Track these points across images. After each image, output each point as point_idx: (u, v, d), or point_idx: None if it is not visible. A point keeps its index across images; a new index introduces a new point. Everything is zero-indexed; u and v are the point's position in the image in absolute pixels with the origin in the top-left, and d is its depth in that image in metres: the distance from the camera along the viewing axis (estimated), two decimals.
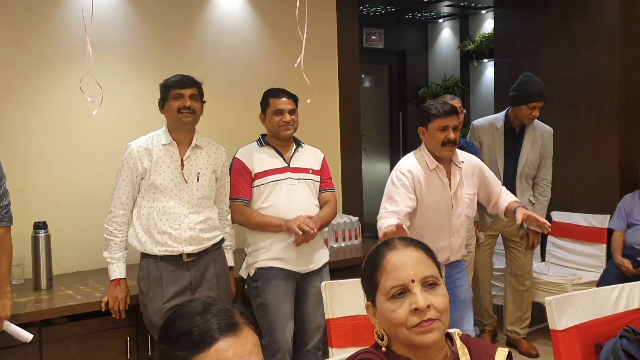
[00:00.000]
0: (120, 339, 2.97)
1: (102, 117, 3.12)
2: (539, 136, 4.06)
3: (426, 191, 2.94)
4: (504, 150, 4.08)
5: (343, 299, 2.37)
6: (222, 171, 3.04)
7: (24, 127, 3.32)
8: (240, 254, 3.38)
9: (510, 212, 3.06)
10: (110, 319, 2.93)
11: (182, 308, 1.19)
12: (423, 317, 1.34)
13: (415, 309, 1.34)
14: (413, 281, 1.36)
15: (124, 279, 2.89)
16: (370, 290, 1.43)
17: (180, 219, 2.87)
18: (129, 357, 2.98)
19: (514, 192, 3.79)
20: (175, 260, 2.87)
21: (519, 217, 2.90)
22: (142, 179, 2.87)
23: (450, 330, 1.46)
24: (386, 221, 2.76)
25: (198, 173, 2.94)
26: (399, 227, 2.59)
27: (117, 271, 2.87)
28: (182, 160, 2.91)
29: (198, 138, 2.97)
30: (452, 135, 2.91)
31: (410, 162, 2.99)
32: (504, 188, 3.21)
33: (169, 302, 2.85)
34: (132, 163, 2.86)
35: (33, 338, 2.66)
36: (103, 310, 2.88)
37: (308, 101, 3.22)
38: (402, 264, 1.38)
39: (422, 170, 2.95)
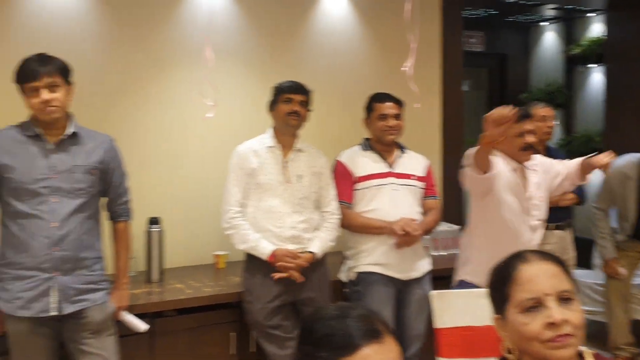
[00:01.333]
0: (225, 334, 3.06)
1: (214, 119, 3.23)
2: None
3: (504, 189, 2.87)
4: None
5: (453, 308, 2.33)
6: (321, 173, 3.08)
7: (141, 127, 3.49)
8: (339, 257, 3.41)
9: (585, 167, 2.98)
10: (217, 314, 3.04)
11: (319, 311, 1.21)
12: (558, 332, 1.31)
13: (550, 324, 1.31)
14: (548, 295, 1.33)
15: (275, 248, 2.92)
16: (500, 302, 1.41)
17: (283, 217, 2.95)
18: (232, 352, 3.07)
19: None
20: None
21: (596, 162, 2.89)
22: (249, 178, 2.96)
23: (582, 348, 1.41)
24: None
25: (300, 175, 3.00)
26: None
27: (267, 247, 2.90)
28: (285, 162, 2.99)
29: (301, 142, 3.08)
30: (529, 140, 2.88)
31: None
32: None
33: (273, 301, 2.91)
34: (241, 164, 2.97)
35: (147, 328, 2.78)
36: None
37: (416, 106, 3.20)
38: (537, 276, 1.36)
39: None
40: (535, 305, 1.34)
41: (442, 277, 3.48)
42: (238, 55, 3.71)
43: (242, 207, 2.98)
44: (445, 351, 2.28)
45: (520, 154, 2.89)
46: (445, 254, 3.97)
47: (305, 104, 3.03)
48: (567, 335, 1.32)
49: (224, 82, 3.51)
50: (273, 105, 3.04)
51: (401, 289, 3.15)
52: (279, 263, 2.89)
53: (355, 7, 4.05)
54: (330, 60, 3.99)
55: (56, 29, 3.25)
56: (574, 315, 1.33)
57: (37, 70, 2.46)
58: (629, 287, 4.02)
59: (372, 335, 1.14)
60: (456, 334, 2.29)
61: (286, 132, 3.02)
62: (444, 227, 4.00)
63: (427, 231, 3.21)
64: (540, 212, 2.96)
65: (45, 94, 2.46)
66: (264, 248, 2.90)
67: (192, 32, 3.54)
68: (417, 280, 3.17)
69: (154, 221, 3.29)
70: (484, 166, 2.66)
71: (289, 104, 2.98)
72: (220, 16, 3.61)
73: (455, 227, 4.06)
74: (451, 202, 4.32)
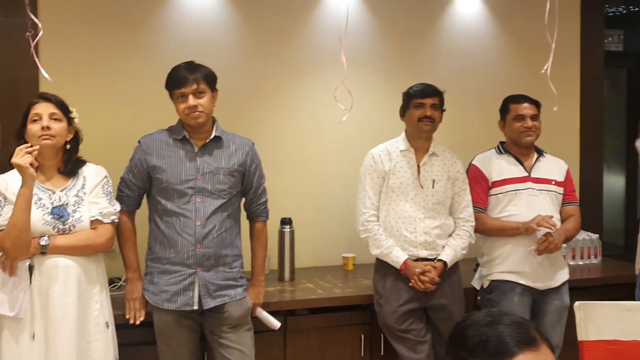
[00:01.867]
0: (356, 336, 3.09)
1: (345, 122, 3.27)
2: None
3: None
4: None
5: (598, 321, 2.20)
6: (456, 178, 3.02)
7: (275, 131, 3.61)
8: (472, 263, 3.34)
9: None
10: (348, 315, 3.07)
11: (470, 317, 1.19)
12: None
13: None
14: None
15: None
16: None
17: (416, 222, 2.92)
18: (362, 354, 3.08)
19: None
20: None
21: None
22: (383, 181, 2.96)
23: None
24: None
25: (434, 180, 2.96)
26: None
27: (400, 255, 2.88)
28: (418, 166, 2.96)
29: (435, 146, 3.01)
30: None
31: None
32: None
33: (404, 305, 2.90)
34: (375, 166, 2.97)
35: (280, 326, 2.87)
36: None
37: (555, 109, 3.07)
38: None
39: None
40: None
41: (580, 288, 3.32)
42: (370, 59, 3.74)
43: (377, 210, 2.98)
44: None
45: None
46: (582, 263, 3.78)
47: (438, 106, 2.96)
48: None
49: (357, 87, 3.54)
50: (404, 111, 3.00)
51: (537, 298, 3.03)
52: (411, 282, 2.87)
53: (489, 7, 3.96)
54: (463, 61, 3.92)
55: (201, 39, 3.44)
56: None
57: (185, 77, 2.61)
58: None
59: (528, 342, 1.12)
60: (601, 347, 2.16)
61: (420, 137, 2.99)
62: (583, 235, 3.81)
63: (568, 239, 3.07)
64: None
65: (192, 100, 2.60)
66: (397, 257, 2.88)
67: (325, 38, 3.61)
68: (554, 290, 3.04)
69: (286, 221, 3.38)
70: None
71: (421, 108, 2.93)
72: (353, 21, 3.65)
73: (594, 235, 3.85)
74: (590, 209, 4.10)
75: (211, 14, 3.47)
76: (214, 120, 2.74)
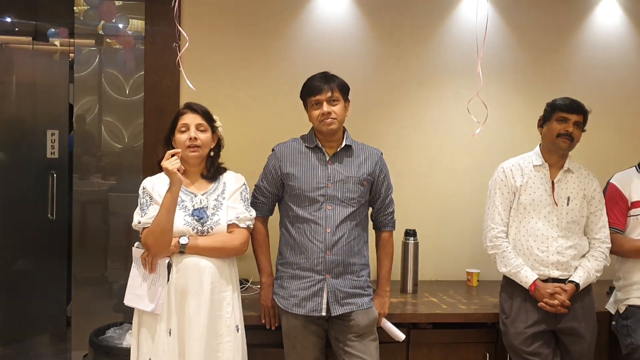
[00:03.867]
0: (480, 354, 3.02)
1: (482, 136, 3.21)
2: None
3: None
4: None
5: None
6: (593, 197, 2.88)
7: (399, 142, 3.61)
8: (606, 286, 3.17)
9: None
10: (472, 332, 3.01)
11: None
12: None
13: None
14: None
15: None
16: None
17: (548, 241, 2.81)
18: None
19: None
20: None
21: None
22: (514, 197, 2.87)
23: None
24: None
25: (568, 197, 2.84)
26: None
27: (529, 275, 2.79)
28: (552, 182, 2.85)
29: (570, 162, 2.89)
30: None
31: None
32: None
33: (531, 327, 2.80)
34: (506, 181, 2.89)
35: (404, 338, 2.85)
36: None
37: None
38: None
39: None
40: None
41: None
42: (504, 71, 3.66)
43: (507, 226, 2.90)
44: None
45: None
46: None
47: (581, 124, 2.84)
48: None
49: (491, 99, 3.47)
50: (544, 122, 2.90)
51: None
52: (540, 303, 2.77)
53: (632, 18, 3.76)
54: (601, 75, 3.75)
55: (333, 50, 3.51)
56: None
57: (321, 85, 2.68)
58: None
59: None
60: None
61: (555, 152, 2.88)
62: None
63: None
64: None
65: (326, 107, 2.66)
66: (526, 277, 2.78)
67: (457, 50, 3.58)
68: None
69: (410, 233, 3.37)
70: None
71: (563, 123, 2.82)
72: (488, 32, 3.58)
73: None
74: None
75: (343, 25, 3.53)
76: (344, 130, 2.78)
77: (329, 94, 2.67)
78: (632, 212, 2.94)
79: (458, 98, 3.47)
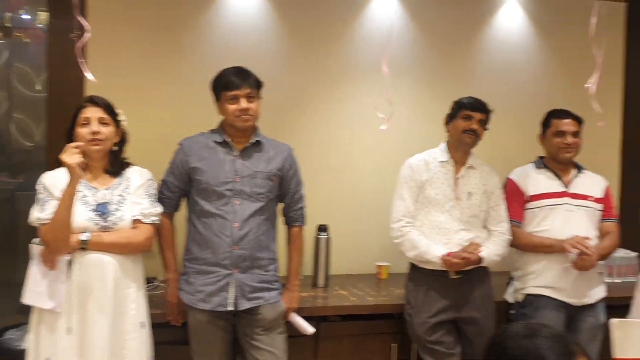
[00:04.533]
0: (387, 344, 3.09)
1: (385, 132, 3.28)
2: None
3: None
4: None
5: (635, 339, 2.18)
6: (493, 192, 3.01)
7: (314, 138, 3.64)
8: (505, 277, 3.31)
9: None
10: (380, 324, 3.08)
11: (509, 329, 1.20)
12: None
13: None
14: None
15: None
16: None
17: (450, 234, 2.91)
18: None
19: None
20: (443, 276, 2.90)
21: None
22: (419, 191, 2.96)
23: None
24: None
25: (470, 192, 2.95)
26: None
27: (439, 250, 2.85)
28: (456, 178, 2.96)
29: (474, 159, 3.01)
30: None
31: None
32: None
33: (434, 317, 2.90)
34: (412, 175, 2.98)
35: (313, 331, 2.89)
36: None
37: (599, 124, 3.04)
38: None
39: None
40: None
41: (617, 306, 3.26)
42: (412, 69, 3.75)
43: (413, 218, 2.98)
44: None
45: None
46: (619, 281, 3.71)
47: (484, 122, 2.97)
48: None
49: (397, 96, 3.56)
50: (450, 120, 3.01)
51: (572, 315, 2.99)
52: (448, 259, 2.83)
53: (533, 20, 3.94)
54: (505, 74, 3.91)
55: (244, 46, 3.49)
56: None
57: (239, 80, 2.67)
58: None
59: (567, 356, 1.11)
60: None
61: (460, 149, 2.99)
62: (621, 253, 3.74)
63: (604, 256, 3.04)
64: None
65: (244, 103, 2.66)
66: (436, 252, 2.86)
67: (368, 48, 3.64)
68: (589, 307, 3.00)
69: (322, 228, 3.42)
70: None
71: (468, 121, 2.93)
72: (396, 31, 3.67)
73: (633, 254, 3.78)
74: (629, 227, 4.02)
75: (254, 21, 3.53)
76: (255, 126, 2.79)
77: (247, 90, 2.67)
78: (529, 205, 3.09)
79: (369, 95, 3.54)
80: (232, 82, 2.67)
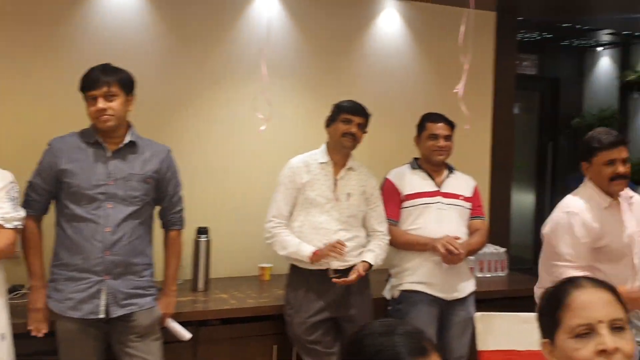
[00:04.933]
0: (267, 346, 3.09)
1: (266, 133, 3.28)
2: None
3: (600, 232, 2.67)
4: None
5: (498, 331, 2.31)
6: (372, 194, 3.09)
7: (194, 139, 3.58)
8: (383, 274, 3.40)
9: None
10: (260, 326, 3.08)
11: (365, 328, 1.22)
12: None
13: (602, 351, 1.30)
14: (601, 322, 1.32)
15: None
16: (550, 327, 1.40)
17: (329, 234, 2.96)
18: None
19: None
20: (322, 275, 2.94)
21: None
22: (299, 192, 2.99)
23: None
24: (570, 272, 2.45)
25: (348, 193, 3.01)
26: None
27: (309, 248, 2.90)
28: (335, 179, 3.01)
29: (352, 161, 3.08)
30: (621, 169, 2.66)
31: (577, 203, 2.72)
32: None
33: (313, 316, 2.93)
34: (292, 177, 3.00)
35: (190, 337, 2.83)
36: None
37: (467, 127, 3.19)
38: (591, 303, 1.35)
39: (593, 209, 2.69)
40: (587, 332, 1.33)
41: (487, 300, 3.45)
42: (292, 71, 3.78)
43: (289, 220, 3.01)
44: None
45: (610, 184, 2.67)
46: (489, 275, 3.93)
47: (363, 126, 3.03)
48: None
49: (278, 97, 3.57)
50: (330, 122, 3.05)
51: (444, 309, 3.13)
52: (324, 252, 2.88)
53: (410, 27, 4.08)
54: (384, 78, 4.03)
55: (121, 42, 3.38)
56: (626, 344, 1.32)
57: (97, 79, 2.56)
58: None
59: (419, 352, 1.15)
60: (499, 357, 2.26)
61: (340, 152, 3.04)
62: (490, 249, 3.96)
63: (472, 252, 3.19)
64: None
65: (101, 103, 2.55)
66: (305, 250, 2.90)
67: (249, 49, 3.63)
68: (460, 301, 3.15)
69: (202, 231, 3.36)
70: None
71: (347, 124, 2.98)
72: (277, 33, 3.68)
73: (502, 249, 4.01)
74: (498, 224, 4.27)
75: (132, 17, 3.43)
76: (129, 125, 2.69)
77: (105, 89, 2.55)
78: (405, 204, 3.19)
79: (250, 96, 3.51)
80: (90, 81, 2.57)
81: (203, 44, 3.59)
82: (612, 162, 2.67)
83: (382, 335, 1.18)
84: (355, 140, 3.00)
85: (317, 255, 2.89)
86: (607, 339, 1.31)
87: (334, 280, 2.90)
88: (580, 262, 2.58)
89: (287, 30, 3.75)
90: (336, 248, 2.89)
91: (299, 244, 2.92)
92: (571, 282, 1.41)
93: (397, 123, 3.94)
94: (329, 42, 3.88)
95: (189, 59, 3.56)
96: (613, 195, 2.73)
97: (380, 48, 4.01)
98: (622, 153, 2.69)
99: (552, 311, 1.40)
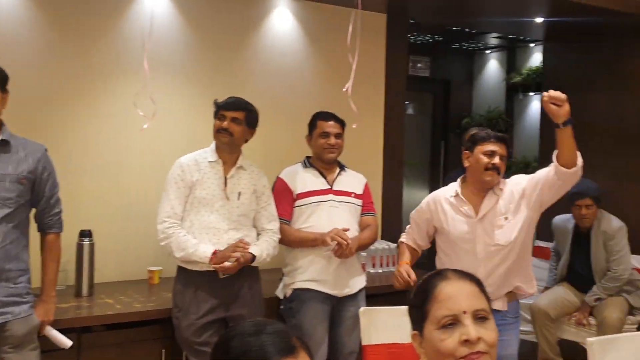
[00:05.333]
0: (156, 351, 3.01)
1: (153, 131, 3.19)
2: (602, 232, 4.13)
3: (445, 219, 2.87)
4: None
5: (381, 326, 2.35)
6: (263, 193, 3.07)
7: (76, 137, 3.43)
8: (276, 274, 3.40)
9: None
10: (148, 330, 2.98)
11: (235, 328, 1.21)
12: (472, 349, 1.34)
13: (466, 340, 1.34)
14: (465, 312, 1.37)
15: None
16: (419, 319, 1.43)
17: (219, 233, 2.92)
18: None
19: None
20: (211, 276, 2.89)
21: None
22: (189, 191, 2.92)
23: None
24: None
25: (239, 192, 2.98)
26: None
27: (208, 249, 2.83)
28: (225, 178, 2.97)
29: (243, 160, 3.04)
30: (497, 161, 2.80)
31: (436, 192, 3.00)
32: None
33: (203, 317, 2.87)
34: (183, 175, 2.93)
35: (72, 344, 2.70)
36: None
37: (354, 126, 3.24)
38: (455, 295, 1.39)
39: (444, 197, 2.90)
40: (452, 323, 1.37)
41: (378, 295, 3.52)
42: (181, 66, 3.70)
43: (180, 219, 2.93)
44: None
45: (484, 173, 2.78)
46: (381, 271, 4.01)
47: (241, 121, 2.97)
48: (480, 353, 1.34)
49: (164, 94, 3.48)
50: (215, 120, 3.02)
51: (335, 305, 3.16)
52: (217, 264, 2.82)
53: (303, 26, 4.10)
54: (276, 77, 4.02)
55: None
56: (488, 333, 1.36)
57: None
58: (556, 309, 4.19)
59: (287, 350, 1.15)
60: (383, 351, 2.30)
61: (222, 149, 2.99)
62: (382, 244, 4.05)
63: (363, 246, 3.24)
64: (505, 235, 2.79)
65: None
66: (204, 252, 2.84)
67: (133, 42, 3.51)
68: (351, 297, 3.19)
69: (85, 234, 3.21)
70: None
71: (221, 120, 2.94)
72: (163, 28, 3.59)
73: (393, 245, 4.10)
74: (390, 220, 4.38)
75: (8, 11, 3.23)
76: (1, 124, 2.53)
77: None
78: (297, 202, 3.20)
79: (133, 92, 3.39)
80: None
81: (84, 38, 3.43)
82: (492, 154, 2.80)
83: (250, 335, 1.17)
84: (231, 136, 2.94)
85: (218, 257, 2.83)
86: (471, 329, 1.35)
87: (213, 266, 2.83)
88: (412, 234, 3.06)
89: (174, 24, 3.66)
90: (239, 248, 2.85)
91: (197, 244, 2.85)
92: (439, 274, 1.45)
93: (292, 121, 3.94)
94: (220, 37, 3.82)
95: (70, 53, 3.39)
96: (484, 185, 2.84)
97: (273, 46, 4.00)
98: (502, 149, 2.83)
99: (420, 303, 1.43)
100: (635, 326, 4.03)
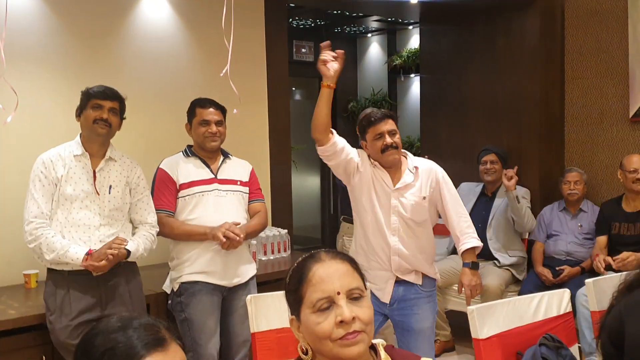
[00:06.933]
0: (36, 358, 2.82)
1: (17, 126, 2.97)
2: None
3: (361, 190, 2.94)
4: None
5: (269, 312, 2.32)
6: (137, 184, 2.95)
7: None
8: (163, 269, 3.29)
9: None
10: (25, 337, 2.79)
11: (100, 325, 1.14)
12: (348, 330, 1.33)
13: (341, 322, 1.33)
14: (339, 293, 1.36)
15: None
16: (295, 303, 1.41)
17: (90, 230, 2.77)
18: None
19: None
20: (84, 275, 2.75)
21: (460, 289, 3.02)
22: (55, 188, 2.75)
23: (374, 341, 1.46)
24: None
25: (110, 185, 2.85)
26: None
27: (80, 250, 2.68)
28: (94, 172, 2.83)
29: (112, 151, 2.90)
30: (388, 140, 2.88)
31: None
32: (466, 226, 2.97)
33: (76, 318, 2.72)
34: (47, 171, 2.75)
35: None
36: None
37: (235, 111, 3.18)
38: (328, 276, 1.37)
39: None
40: (328, 305, 1.36)
41: (271, 282, 3.50)
42: (45, 57, 3.47)
43: (48, 219, 2.76)
44: (261, 356, 2.26)
45: (383, 156, 2.87)
46: (273, 258, 3.99)
47: (117, 111, 2.84)
48: (356, 332, 1.34)
49: (28, 87, 3.25)
50: (81, 111, 2.83)
51: (226, 296, 3.11)
52: (91, 263, 2.69)
53: (177, 11, 3.97)
54: (155, 64, 3.87)
55: None
56: (362, 311, 1.36)
57: None
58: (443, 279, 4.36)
59: (156, 343, 1.10)
60: (271, 336, 2.29)
61: (95, 141, 2.83)
62: (273, 231, 4.03)
63: (252, 234, 3.20)
64: (410, 211, 2.89)
65: None
66: (76, 253, 2.69)
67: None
68: (242, 286, 3.14)
69: None
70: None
71: (98, 110, 2.79)
72: (24, 16, 3.35)
73: (284, 230, 4.10)
74: (280, 207, 4.37)
75: None
76: None
77: None
78: (181, 193, 3.10)
79: None
80: None
81: None
82: (381, 136, 2.88)
83: (115, 332, 1.12)
84: (109, 127, 2.81)
85: (94, 257, 2.68)
86: (345, 310, 1.34)
87: (83, 265, 2.69)
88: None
89: (38, 14, 3.43)
90: (115, 244, 2.72)
91: (69, 245, 2.69)
92: (312, 257, 1.43)
93: (172, 110, 3.80)
94: (87, 24, 3.61)
95: None
96: (391, 166, 2.93)
97: (148, 33, 3.85)
98: (387, 125, 2.90)
99: (296, 287, 1.41)
100: (516, 294, 4.26)
